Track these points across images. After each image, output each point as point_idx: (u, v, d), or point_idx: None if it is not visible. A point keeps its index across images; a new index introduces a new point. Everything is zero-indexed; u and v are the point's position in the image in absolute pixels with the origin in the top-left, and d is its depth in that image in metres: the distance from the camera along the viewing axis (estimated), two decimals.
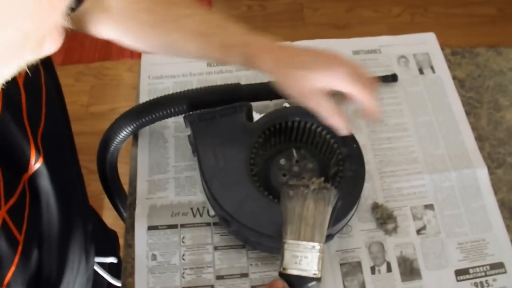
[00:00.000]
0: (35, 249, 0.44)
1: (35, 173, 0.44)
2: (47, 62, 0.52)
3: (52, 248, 0.48)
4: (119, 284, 0.79)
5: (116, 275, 0.79)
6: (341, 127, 0.56)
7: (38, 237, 0.45)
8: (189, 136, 0.67)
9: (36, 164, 0.44)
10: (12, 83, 0.42)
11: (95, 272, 0.73)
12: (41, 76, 0.49)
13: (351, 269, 0.64)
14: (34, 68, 0.46)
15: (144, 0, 0.57)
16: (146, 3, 0.57)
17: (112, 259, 0.78)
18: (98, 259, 0.75)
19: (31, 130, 0.44)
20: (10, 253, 0.40)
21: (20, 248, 0.41)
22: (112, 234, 0.89)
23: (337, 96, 0.56)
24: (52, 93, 0.51)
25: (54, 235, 0.48)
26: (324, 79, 0.52)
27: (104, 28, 0.58)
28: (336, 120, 0.55)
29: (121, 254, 0.67)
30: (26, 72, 0.44)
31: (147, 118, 0.66)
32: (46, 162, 0.45)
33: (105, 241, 0.83)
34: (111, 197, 0.79)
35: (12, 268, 0.40)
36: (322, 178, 0.57)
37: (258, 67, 0.55)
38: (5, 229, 0.39)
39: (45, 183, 0.45)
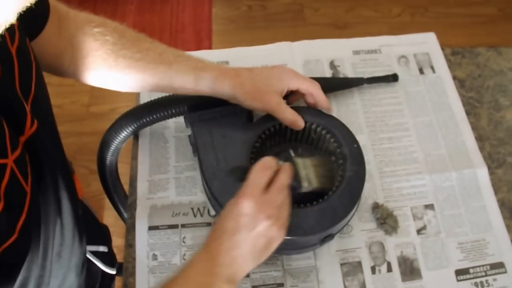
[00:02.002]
0: (39, 206, 0.46)
1: (31, 137, 0.45)
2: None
3: (49, 216, 0.49)
4: (112, 272, 0.80)
5: (109, 264, 0.80)
6: (299, 123, 0.63)
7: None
8: (189, 136, 0.67)
9: (32, 128, 0.45)
10: (5, 50, 0.43)
11: (89, 260, 0.75)
12: (30, 53, 0.50)
13: (351, 269, 0.64)
14: (23, 43, 0.48)
15: (110, 34, 0.61)
16: (111, 37, 0.61)
17: (103, 248, 0.80)
18: (91, 248, 0.76)
19: (23, 96, 0.45)
20: (20, 201, 0.41)
21: (28, 198, 0.42)
22: (104, 228, 0.90)
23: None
24: (40, 70, 0.52)
25: (50, 206, 0.50)
26: (280, 83, 0.63)
27: (70, 65, 0.62)
28: (294, 117, 0.62)
29: (123, 254, 0.67)
30: (18, 43, 0.46)
31: (148, 119, 0.66)
32: (39, 128, 0.46)
33: (96, 232, 0.85)
34: (111, 197, 0.79)
35: (23, 217, 0.41)
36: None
37: (220, 89, 0.61)
38: (14, 178, 0.40)
39: (40, 149, 0.47)
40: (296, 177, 0.57)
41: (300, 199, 0.59)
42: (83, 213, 0.67)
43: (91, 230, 0.79)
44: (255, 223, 0.49)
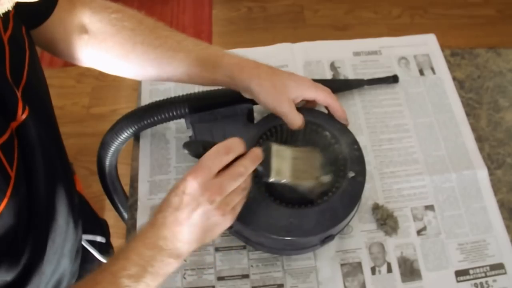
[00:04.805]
0: (25, 190, 0.47)
1: (23, 124, 0.46)
2: (29, 34, 0.54)
3: (39, 202, 0.50)
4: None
5: (105, 254, 0.81)
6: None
7: (26, 182, 0.47)
8: (190, 137, 0.68)
9: (23, 115, 0.46)
10: None
11: (86, 250, 0.75)
12: (25, 41, 0.51)
13: (351, 269, 0.64)
14: (17, 31, 0.48)
15: (128, 20, 0.61)
16: (130, 23, 0.61)
17: (101, 238, 0.80)
18: (88, 237, 0.77)
19: (14, 83, 0.46)
20: (3, 185, 0.42)
21: (12, 182, 0.43)
22: (102, 221, 0.91)
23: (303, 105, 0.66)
24: (35, 58, 0.53)
25: (40, 191, 0.50)
26: (296, 89, 0.62)
27: (85, 51, 0.62)
28: (301, 123, 0.62)
29: None
30: (11, 32, 0.46)
31: (149, 121, 0.66)
32: (31, 116, 0.47)
33: (94, 223, 0.86)
34: (111, 198, 0.79)
35: (5, 200, 0.42)
36: None
37: (238, 77, 0.60)
38: None
39: (31, 135, 0.48)
40: (266, 165, 0.54)
41: (300, 200, 0.59)
42: (81, 204, 0.67)
43: (89, 220, 0.79)
44: (197, 204, 0.48)
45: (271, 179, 0.55)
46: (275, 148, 0.56)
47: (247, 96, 0.63)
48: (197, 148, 0.53)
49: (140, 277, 0.47)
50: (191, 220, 0.49)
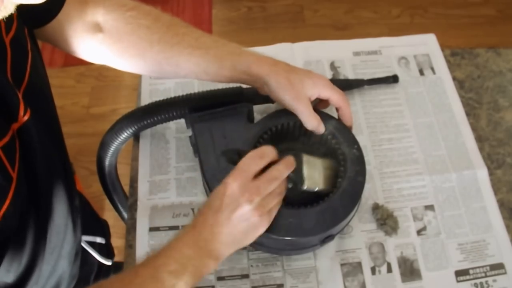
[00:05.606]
0: (26, 191, 0.47)
1: (25, 125, 0.46)
2: (32, 35, 0.54)
3: (39, 202, 0.51)
4: (108, 263, 0.81)
5: (106, 255, 0.81)
6: (320, 128, 0.62)
7: (26, 183, 0.47)
8: (190, 137, 0.67)
9: (24, 116, 0.46)
10: None
11: (85, 251, 0.75)
12: (28, 43, 0.51)
13: (351, 269, 0.64)
14: (20, 33, 0.48)
15: (144, 18, 0.61)
16: (146, 21, 0.61)
17: (100, 239, 0.81)
18: (88, 238, 0.77)
19: (15, 85, 0.46)
20: (5, 187, 0.42)
21: (13, 184, 0.43)
22: (103, 222, 0.90)
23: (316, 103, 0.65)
24: (37, 59, 0.53)
25: (41, 192, 0.51)
26: (313, 87, 0.61)
27: (99, 49, 0.61)
28: (318, 122, 0.61)
29: (123, 255, 0.67)
30: (14, 33, 0.47)
31: (149, 121, 0.66)
32: (33, 117, 0.47)
33: (95, 224, 0.86)
34: (110, 198, 0.79)
35: (7, 201, 0.42)
36: None
37: (256, 73, 0.60)
38: (0, 164, 0.42)
39: (33, 137, 0.48)
40: (298, 173, 0.57)
41: (300, 200, 0.59)
42: (82, 205, 0.67)
43: (89, 221, 0.79)
44: (237, 205, 0.51)
45: (305, 187, 0.58)
46: (306, 158, 0.59)
47: (263, 93, 0.62)
48: (233, 155, 0.57)
49: (180, 274, 0.48)
50: (231, 221, 0.51)
